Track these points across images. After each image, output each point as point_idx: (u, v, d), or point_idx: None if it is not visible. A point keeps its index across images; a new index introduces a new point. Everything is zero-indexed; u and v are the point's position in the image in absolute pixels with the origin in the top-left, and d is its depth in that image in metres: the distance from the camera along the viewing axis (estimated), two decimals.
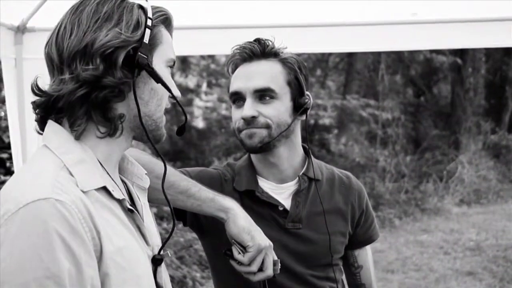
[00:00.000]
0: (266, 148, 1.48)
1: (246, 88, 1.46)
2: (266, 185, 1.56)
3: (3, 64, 2.49)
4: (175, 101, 1.13)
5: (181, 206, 1.39)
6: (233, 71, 1.52)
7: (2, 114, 6.17)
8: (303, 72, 1.51)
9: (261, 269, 1.33)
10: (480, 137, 13.07)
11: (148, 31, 1.04)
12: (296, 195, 1.54)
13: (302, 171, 1.57)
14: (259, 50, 1.48)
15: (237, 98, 1.49)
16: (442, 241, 7.65)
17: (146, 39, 1.03)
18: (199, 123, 11.30)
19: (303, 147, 1.62)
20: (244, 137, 1.49)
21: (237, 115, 1.50)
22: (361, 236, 1.64)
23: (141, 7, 1.07)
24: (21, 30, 2.41)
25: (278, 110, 1.46)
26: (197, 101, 11.47)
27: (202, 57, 10.35)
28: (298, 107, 1.50)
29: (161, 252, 1.12)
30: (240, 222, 1.33)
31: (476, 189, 10.95)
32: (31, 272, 0.85)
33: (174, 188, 1.36)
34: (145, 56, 1.03)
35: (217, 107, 11.19)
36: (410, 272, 6.32)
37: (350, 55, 11.88)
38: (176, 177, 1.39)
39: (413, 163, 11.52)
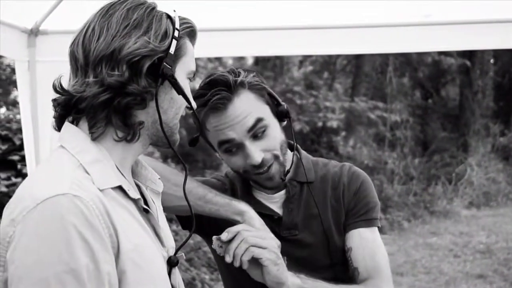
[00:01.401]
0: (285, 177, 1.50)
1: (238, 134, 1.41)
2: (260, 195, 1.55)
3: (16, 66, 2.51)
4: (191, 111, 1.15)
5: (199, 212, 1.43)
6: (206, 120, 1.44)
7: (12, 116, 6.23)
8: (265, 83, 1.48)
9: None
10: (489, 139, 13.00)
11: (174, 42, 1.05)
12: (286, 202, 1.53)
13: (290, 176, 1.53)
14: (227, 93, 1.39)
15: (230, 146, 1.44)
16: (452, 244, 7.62)
17: (172, 50, 1.05)
18: None
19: (292, 146, 1.58)
20: (262, 180, 1.47)
21: (237, 162, 1.45)
22: (349, 219, 1.55)
23: (169, 17, 1.08)
24: (34, 33, 2.42)
25: (274, 137, 1.45)
26: None
27: (209, 59, 10.35)
28: (281, 117, 1.49)
29: (177, 254, 1.13)
30: (256, 224, 1.39)
31: (486, 192, 10.89)
32: (51, 268, 0.86)
33: (193, 195, 1.41)
34: (169, 67, 1.04)
35: None
36: (420, 275, 6.30)
37: (358, 57, 11.85)
38: (193, 183, 1.44)
39: (422, 165, 11.47)
